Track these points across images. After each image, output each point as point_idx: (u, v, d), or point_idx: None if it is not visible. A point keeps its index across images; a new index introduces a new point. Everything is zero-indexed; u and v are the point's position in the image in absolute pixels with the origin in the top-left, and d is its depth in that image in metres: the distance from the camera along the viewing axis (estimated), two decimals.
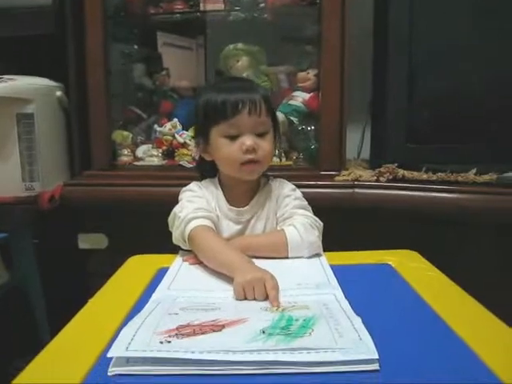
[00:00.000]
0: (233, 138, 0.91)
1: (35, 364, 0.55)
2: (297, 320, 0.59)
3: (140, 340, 0.55)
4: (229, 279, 0.77)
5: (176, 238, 0.92)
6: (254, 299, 0.69)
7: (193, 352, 0.51)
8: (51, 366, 0.55)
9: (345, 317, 0.60)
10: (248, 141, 0.90)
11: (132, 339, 0.55)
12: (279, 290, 0.70)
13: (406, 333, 0.60)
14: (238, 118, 0.89)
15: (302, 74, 1.47)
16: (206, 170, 1.02)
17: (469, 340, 0.57)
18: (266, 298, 0.68)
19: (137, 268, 0.90)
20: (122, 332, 0.57)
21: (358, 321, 0.59)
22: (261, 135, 0.92)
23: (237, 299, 0.70)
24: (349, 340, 0.54)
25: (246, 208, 0.97)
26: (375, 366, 0.50)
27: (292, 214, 0.95)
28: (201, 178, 1.03)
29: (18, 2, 1.46)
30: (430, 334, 0.60)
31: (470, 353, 0.54)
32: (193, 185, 0.99)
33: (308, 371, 0.50)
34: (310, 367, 0.50)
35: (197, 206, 0.91)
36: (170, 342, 0.54)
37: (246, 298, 0.69)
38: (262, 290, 0.69)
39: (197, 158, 1.07)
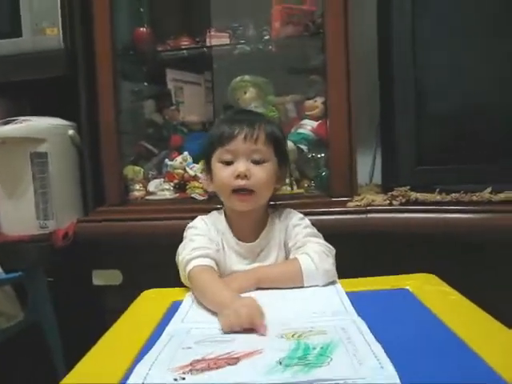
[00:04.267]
0: (228, 163, 0.92)
1: None
2: (314, 348, 0.57)
3: (154, 378, 0.53)
4: None
5: (182, 279, 0.92)
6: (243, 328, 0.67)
7: None
8: None
9: (363, 341, 0.59)
10: (240, 166, 0.90)
11: (145, 377, 0.54)
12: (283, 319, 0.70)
13: (429, 358, 0.58)
14: (232, 144, 0.91)
15: (309, 103, 1.48)
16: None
17: (494, 363, 0.55)
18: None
19: (150, 302, 0.90)
20: (136, 369, 0.56)
21: (377, 346, 0.57)
22: (257, 163, 0.92)
23: (225, 332, 0.68)
24: (369, 368, 0.52)
25: (255, 243, 0.96)
26: None
27: (305, 242, 0.94)
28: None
29: (30, 47, 1.50)
30: (454, 360, 0.58)
31: (495, 377, 0.52)
32: (197, 220, 0.99)
33: None
34: None
35: (196, 245, 0.91)
36: (184, 378, 0.53)
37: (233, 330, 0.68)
38: (244, 318, 0.68)
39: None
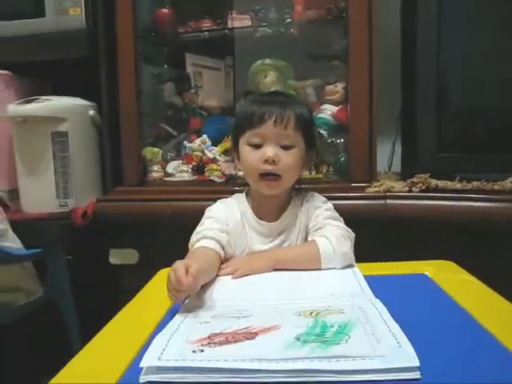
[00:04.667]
0: (257, 147, 0.91)
1: (65, 372, 0.55)
2: (332, 326, 0.57)
3: (172, 349, 0.54)
4: (259, 290, 0.77)
5: None
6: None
7: (226, 360, 0.50)
8: (81, 374, 0.55)
9: (381, 321, 0.58)
10: (269, 151, 0.89)
11: (164, 348, 0.54)
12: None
13: (447, 342, 0.57)
14: (262, 128, 0.90)
15: (329, 87, 1.47)
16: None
17: None
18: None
19: (166, 281, 0.90)
20: (154, 341, 0.56)
21: (395, 326, 0.56)
22: (286, 148, 0.91)
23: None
24: (387, 347, 0.51)
25: (276, 223, 0.96)
26: (416, 375, 0.48)
27: (324, 224, 0.94)
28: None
29: (53, 27, 1.51)
30: (473, 343, 0.57)
31: None
32: (215, 204, 1.00)
33: (345, 379, 0.48)
34: (347, 375, 0.48)
35: (201, 228, 0.92)
36: (202, 350, 0.53)
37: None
38: (170, 284, 0.69)
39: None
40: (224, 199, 1.01)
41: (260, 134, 0.90)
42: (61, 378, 0.54)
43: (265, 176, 0.91)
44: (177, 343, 0.55)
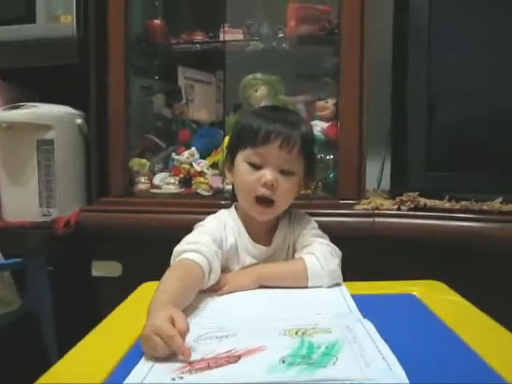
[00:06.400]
0: (255, 167, 0.88)
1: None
2: (319, 347, 0.55)
3: (153, 378, 0.51)
4: (243, 307, 0.76)
5: None
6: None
7: None
8: None
9: (370, 341, 0.57)
10: (269, 175, 0.86)
11: (144, 378, 0.52)
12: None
13: (436, 363, 0.56)
14: (266, 148, 0.86)
15: (320, 103, 1.47)
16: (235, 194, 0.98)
17: (501, 369, 0.53)
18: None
19: (149, 294, 0.86)
20: (133, 370, 0.54)
21: (384, 346, 0.55)
22: (285, 173, 0.88)
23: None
24: (377, 369, 0.50)
25: (270, 247, 0.94)
26: None
27: (311, 242, 0.92)
28: (231, 200, 1.01)
29: (44, 34, 1.49)
30: (462, 365, 0.56)
31: (502, 382, 0.51)
32: (207, 219, 0.94)
33: None
34: None
35: (193, 239, 0.85)
36: (182, 377, 0.51)
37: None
38: (159, 348, 0.56)
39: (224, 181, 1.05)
40: (217, 216, 0.96)
41: (262, 154, 0.87)
42: None
43: (259, 201, 0.88)
44: (157, 374, 0.53)
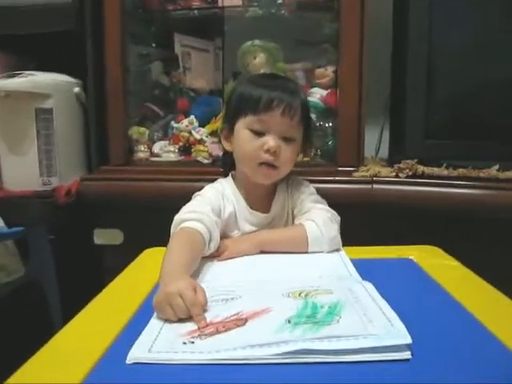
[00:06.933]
0: (257, 133, 0.88)
1: (44, 350, 0.54)
2: (322, 307, 0.57)
3: (163, 342, 0.53)
4: (245, 271, 0.78)
5: None
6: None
7: (218, 351, 0.50)
8: (61, 352, 0.55)
9: (371, 300, 0.59)
10: (272, 141, 0.87)
11: (154, 341, 0.53)
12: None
13: (433, 325, 0.58)
14: (268, 115, 0.86)
15: (319, 71, 1.45)
16: (227, 162, 0.99)
17: (498, 332, 0.55)
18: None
19: (151, 260, 0.88)
20: (142, 335, 0.55)
21: (385, 305, 0.57)
22: (287, 140, 0.89)
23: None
24: (380, 325, 0.52)
25: (269, 214, 0.95)
26: (407, 355, 0.48)
27: (310, 208, 0.93)
28: (222, 170, 1.01)
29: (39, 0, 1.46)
30: (458, 327, 0.58)
31: (498, 344, 0.53)
32: (206, 189, 0.94)
33: (339, 360, 0.48)
34: (341, 355, 0.48)
35: (193, 208, 0.85)
36: (193, 342, 0.52)
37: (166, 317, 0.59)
38: (179, 308, 0.58)
39: (221, 149, 1.05)
40: (215, 185, 0.96)
41: (264, 121, 0.87)
42: (40, 356, 0.53)
43: (264, 164, 0.89)
44: (167, 337, 0.54)
